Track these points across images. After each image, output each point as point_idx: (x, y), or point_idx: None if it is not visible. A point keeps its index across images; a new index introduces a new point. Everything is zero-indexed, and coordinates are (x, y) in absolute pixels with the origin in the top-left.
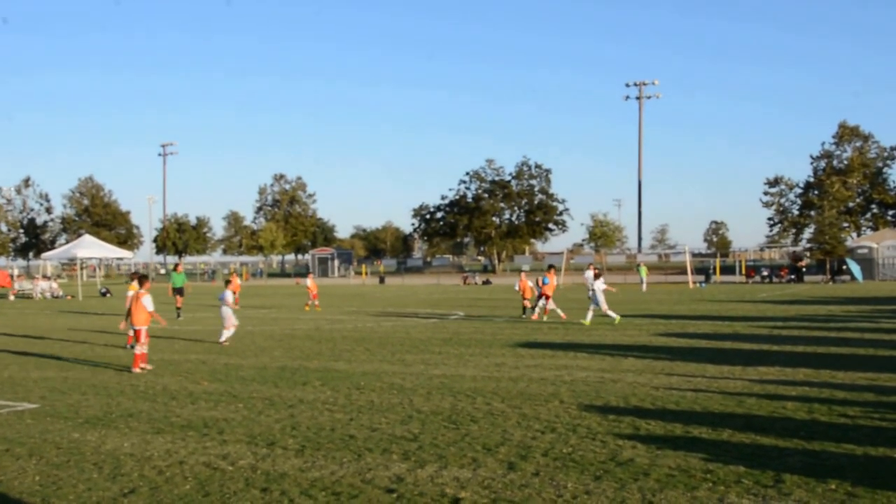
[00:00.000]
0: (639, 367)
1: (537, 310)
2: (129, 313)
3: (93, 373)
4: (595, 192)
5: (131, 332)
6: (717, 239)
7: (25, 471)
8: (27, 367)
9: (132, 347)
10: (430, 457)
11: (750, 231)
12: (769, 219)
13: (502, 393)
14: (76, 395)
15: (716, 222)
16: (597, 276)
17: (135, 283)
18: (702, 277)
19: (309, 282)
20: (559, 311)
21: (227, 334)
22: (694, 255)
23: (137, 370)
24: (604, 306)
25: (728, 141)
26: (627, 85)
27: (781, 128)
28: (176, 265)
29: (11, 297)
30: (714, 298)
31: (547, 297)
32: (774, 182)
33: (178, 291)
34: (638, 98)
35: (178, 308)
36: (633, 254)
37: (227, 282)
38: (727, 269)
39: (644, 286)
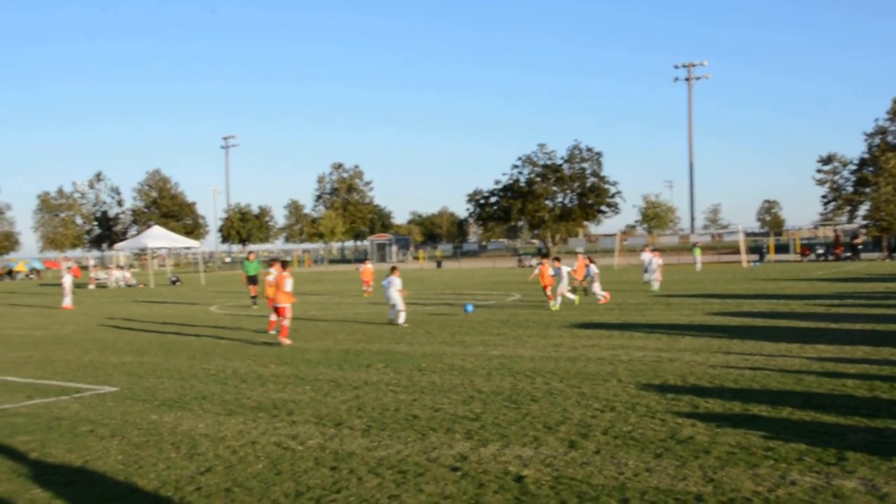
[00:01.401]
0: (695, 345)
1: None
2: (273, 292)
3: (166, 357)
4: (647, 173)
5: (274, 318)
6: (770, 218)
7: (108, 450)
8: (106, 352)
9: (277, 332)
10: (492, 436)
11: (803, 209)
12: (823, 196)
13: (561, 373)
14: (152, 379)
15: (768, 201)
16: (557, 259)
17: (271, 270)
18: (755, 256)
19: (362, 267)
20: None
21: (403, 317)
22: (747, 234)
23: (286, 340)
24: (563, 288)
25: (780, 119)
26: (676, 67)
27: (834, 105)
28: (249, 254)
29: (91, 287)
30: (769, 277)
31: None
32: (828, 160)
33: (252, 280)
34: (687, 79)
35: (254, 297)
36: (686, 234)
37: (393, 268)
38: (781, 248)
39: (698, 266)
